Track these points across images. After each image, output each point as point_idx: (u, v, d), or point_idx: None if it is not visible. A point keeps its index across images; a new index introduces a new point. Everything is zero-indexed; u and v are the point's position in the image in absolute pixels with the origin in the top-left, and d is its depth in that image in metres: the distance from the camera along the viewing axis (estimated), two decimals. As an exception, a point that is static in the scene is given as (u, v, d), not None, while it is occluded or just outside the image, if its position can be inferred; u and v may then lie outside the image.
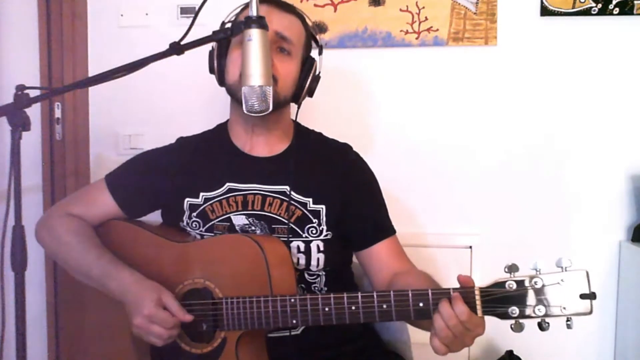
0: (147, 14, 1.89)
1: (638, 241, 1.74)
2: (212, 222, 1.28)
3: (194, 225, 1.30)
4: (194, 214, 1.30)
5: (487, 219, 1.82)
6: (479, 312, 0.99)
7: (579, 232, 1.80)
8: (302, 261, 1.27)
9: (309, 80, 1.29)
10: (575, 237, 1.80)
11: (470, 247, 1.80)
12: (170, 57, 1.07)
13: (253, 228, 1.27)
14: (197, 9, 1.08)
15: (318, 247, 1.27)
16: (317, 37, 1.36)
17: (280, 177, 1.28)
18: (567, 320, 0.97)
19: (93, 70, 1.91)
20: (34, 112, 1.54)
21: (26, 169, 1.06)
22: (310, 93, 1.32)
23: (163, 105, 1.89)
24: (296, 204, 1.27)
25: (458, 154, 1.82)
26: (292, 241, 1.26)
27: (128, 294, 1.16)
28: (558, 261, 0.97)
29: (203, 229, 1.29)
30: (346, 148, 1.38)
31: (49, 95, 1.64)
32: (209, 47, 1.13)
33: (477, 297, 0.99)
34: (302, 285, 1.29)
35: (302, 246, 1.27)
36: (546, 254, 1.78)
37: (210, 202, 1.29)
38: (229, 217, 1.28)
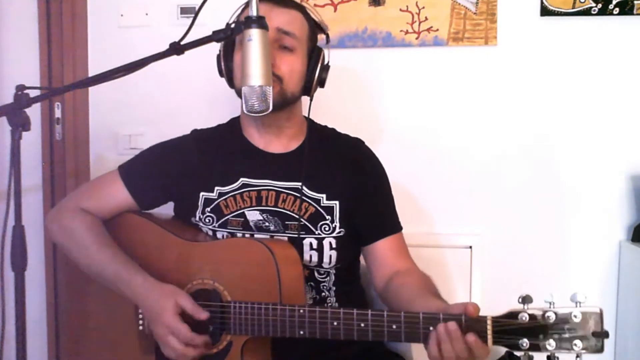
0: (147, 14, 1.88)
1: (638, 241, 1.74)
2: (226, 217, 1.28)
3: (207, 221, 1.30)
4: (208, 209, 1.30)
5: (487, 219, 1.82)
6: (490, 341, 0.98)
7: (579, 232, 1.80)
8: (315, 258, 1.27)
9: (318, 70, 1.28)
10: (575, 237, 1.80)
11: (470, 247, 1.80)
12: (170, 57, 1.07)
13: (267, 224, 1.27)
14: (197, 9, 1.08)
15: (330, 244, 1.28)
16: (322, 26, 1.34)
17: (294, 174, 1.28)
18: (577, 357, 0.95)
19: (93, 70, 1.91)
20: (34, 112, 1.54)
21: (26, 169, 1.06)
22: (322, 83, 1.31)
23: (163, 105, 1.89)
24: (309, 200, 1.28)
25: (458, 154, 1.82)
26: (304, 238, 1.26)
27: (144, 300, 1.17)
28: (573, 296, 0.95)
29: (217, 224, 1.29)
30: (359, 143, 1.39)
31: (49, 95, 1.64)
32: (210, 47, 1.12)
33: (489, 327, 0.98)
34: (312, 283, 1.29)
35: (314, 243, 1.27)
36: (546, 253, 1.81)
37: (225, 197, 1.29)
38: (243, 213, 1.28)
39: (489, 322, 0.98)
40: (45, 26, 1.89)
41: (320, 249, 1.27)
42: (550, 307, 0.96)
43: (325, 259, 1.28)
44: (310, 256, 1.27)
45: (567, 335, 0.95)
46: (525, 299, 0.97)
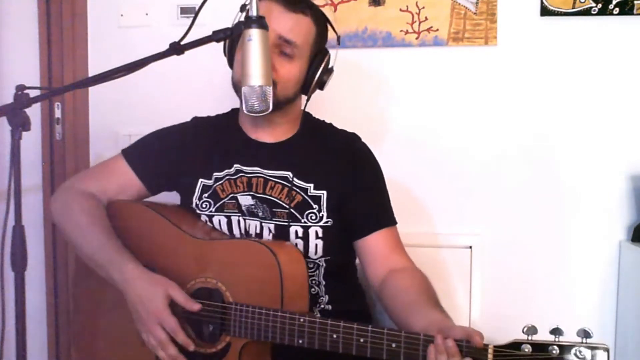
0: (147, 14, 1.88)
1: (638, 241, 1.74)
2: (222, 200, 1.31)
3: (204, 206, 1.32)
4: (206, 194, 1.32)
5: (487, 219, 1.82)
6: None
7: (579, 232, 1.80)
8: (300, 247, 1.28)
9: (318, 74, 1.28)
10: (575, 237, 1.80)
11: (470, 247, 1.80)
12: (170, 57, 1.07)
13: (256, 209, 1.29)
14: (197, 9, 1.08)
15: (317, 233, 1.28)
16: (334, 27, 1.34)
17: (283, 163, 1.30)
18: None
19: (93, 70, 1.91)
20: (34, 112, 1.54)
21: (26, 169, 1.06)
22: (321, 86, 1.32)
23: (163, 105, 1.89)
24: (297, 189, 1.29)
25: (458, 154, 1.82)
26: (291, 226, 1.28)
27: (133, 287, 1.17)
28: (579, 331, 0.91)
29: (213, 209, 1.31)
30: (353, 137, 1.40)
31: (49, 95, 1.64)
32: (210, 47, 1.12)
33: (490, 356, 0.96)
34: None
35: (300, 231, 1.28)
36: (546, 254, 1.81)
37: (221, 181, 1.32)
38: (236, 197, 1.30)
39: (490, 351, 0.96)
40: (45, 26, 1.89)
41: (305, 238, 1.28)
42: (555, 340, 0.92)
43: (311, 248, 1.28)
44: (296, 245, 1.28)
45: None
46: (530, 330, 0.94)
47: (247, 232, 1.31)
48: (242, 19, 1.09)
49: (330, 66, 1.32)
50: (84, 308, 1.39)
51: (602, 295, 1.80)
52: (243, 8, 1.22)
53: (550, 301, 1.80)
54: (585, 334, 0.91)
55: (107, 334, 1.33)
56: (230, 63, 1.31)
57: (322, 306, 1.32)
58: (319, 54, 1.29)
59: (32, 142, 1.88)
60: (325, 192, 1.29)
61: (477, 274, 1.79)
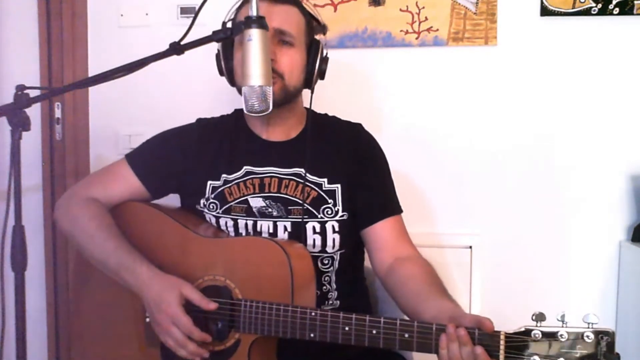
0: (147, 14, 1.88)
1: (638, 241, 1.74)
2: (230, 204, 1.31)
3: (211, 207, 1.32)
4: (213, 196, 1.32)
5: (487, 219, 1.82)
6: (502, 356, 0.98)
7: (579, 231, 1.80)
8: (318, 242, 1.29)
9: (318, 62, 1.30)
10: (575, 237, 1.80)
11: (470, 247, 1.80)
12: (170, 57, 1.07)
13: (270, 210, 1.30)
14: (197, 9, 1.08)
15: (333, 227, 1.29)
16: (318, 18, 1.36)
17: (295, 160, 1.31)
18: None
19: (93, 70, 1.91)
20: (34, 112, 1.54)
21: (26, 169, 1.06)
22: (322, 75, 1.34)
23: (163, 105, 1.89)
24: (311, 185, 1.30)
25: (458, 154, 1.82)
26: (307, 222, 1.28)
27: (147, 289, 1.17)
28: (585, 317, 0.96)
29: (220, 211, 1.32)
30: (358, 127, 1.42)
31: (49, 95, 1.64)
32: (210, 47, 1.13)
33: (502, 342, 0.98)
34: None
35: (317, 227, 1.29)
36: (546, 254, 1.81)
37: (229, 184, 1.32)
38: (246, 199, 1.31)
39: (502, 337, 0.98)
40: (45, 26, 1.89)
41: (323, 232, 1.29)
42: (562, 326, 0.96)
43: (329, 242, 1.29)
44: (314, 240, 1.29)
45: (578, 355, 0.95)
46: (539, 317, 0.97)
47: (259, 233, 1.31)
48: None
49: (325, 54, 1.34)
50: (84, 309, 1.39)
51: (602, 295, 1.80)
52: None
53: (550, 301, 1.80)
54: (592, 319, 0.95)
55: (108, 334, 1.33)
56: (228, 71, 1.31)
57: (331, 302, 1.33)
58: (312, 44, 1.31)
59: (32, 142, 1.88)
60: (339, 186, 1.31)
61: (477, 274, 1.79)
